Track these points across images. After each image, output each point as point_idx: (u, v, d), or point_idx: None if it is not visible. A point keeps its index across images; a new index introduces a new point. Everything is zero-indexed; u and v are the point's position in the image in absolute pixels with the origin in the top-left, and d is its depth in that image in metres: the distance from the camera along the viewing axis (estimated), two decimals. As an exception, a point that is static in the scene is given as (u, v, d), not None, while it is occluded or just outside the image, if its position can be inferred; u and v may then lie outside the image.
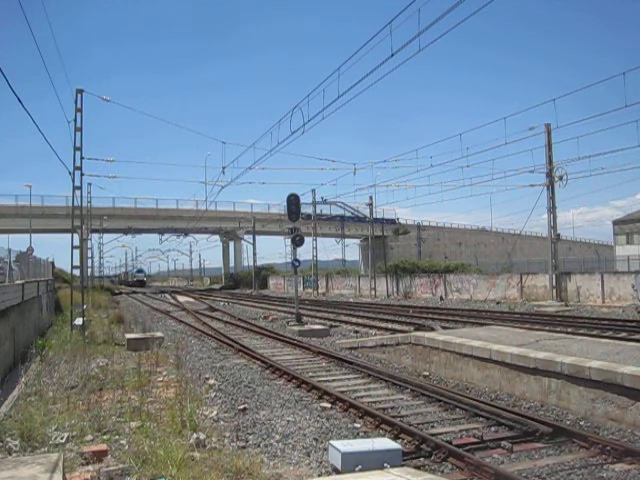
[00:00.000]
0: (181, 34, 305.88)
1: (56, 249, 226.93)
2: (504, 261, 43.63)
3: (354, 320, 22.98)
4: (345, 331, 19.47)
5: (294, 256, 23.20)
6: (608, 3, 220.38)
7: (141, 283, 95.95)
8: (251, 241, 65.18)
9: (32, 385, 9.56)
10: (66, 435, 6.87)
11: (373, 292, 42.83)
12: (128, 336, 15.70)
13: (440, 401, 8.89)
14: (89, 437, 6.96)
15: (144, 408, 8.08)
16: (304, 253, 75.90)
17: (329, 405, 8.88)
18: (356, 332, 18.90)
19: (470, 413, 8.19)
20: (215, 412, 8.44)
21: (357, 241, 71.75)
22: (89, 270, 45.42)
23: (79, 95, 18.27)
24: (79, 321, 18.07)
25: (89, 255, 46.34)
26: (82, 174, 18.66)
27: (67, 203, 42.40)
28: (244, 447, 6.79)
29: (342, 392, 9.51)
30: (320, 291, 51.25)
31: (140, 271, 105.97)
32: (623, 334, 15.59)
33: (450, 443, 6.62)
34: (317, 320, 23.27)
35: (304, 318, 22.64)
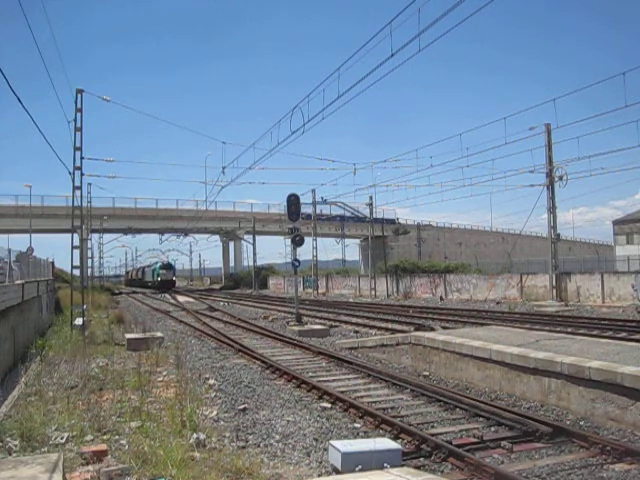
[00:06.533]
0: (181, 34, 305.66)
1: (56, 249, 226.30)
2: (504, 261, 43.57)
3: (354, 320, 22.97)
4: (345, 331, 19.47)
5: (294, 256, 23.19)
6: (608, 3, 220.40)
7: (169, 284, 68.39)
8: (251, 241, 65.21)
9: (32, 385, 9.55)
10: (66, 435, 6.87)
11: (373, 292, 42.82)
12: (128, 336, 15.70)
13: (440, 401, 8.89)
14: (89, 437, 6.96)
15: (144, 408, 8.08)
16: (304, 253, 75.78)
17: (329, 405, 8.88)
18: (356, 332, 18.90)
19: (470, 413, 8.19)
20: (215, 412, 8.44)
21: (357, 241, 71.80)
22: (89, 270, 45.39)
23: (79, 95, 18.28)
24: (79, 321, 18.07)
25: (89, 255, 46.33)
26: (82, 174, 18.67)
27: (67, 203, 42.41)
28: (244, 447, 6.79)
29: (342, 392, 9.51)
30: (320, 291, 51.24)
31: (167, 267, 74.32)
32: (623, 334, 15.59)
33: (450, 443, 6.61)
34: (317, 320, 23.28)
35: (304, 318, 22.64)
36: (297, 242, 22.67)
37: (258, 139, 24.45)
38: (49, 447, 6.52)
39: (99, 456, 6.14)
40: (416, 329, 17.40)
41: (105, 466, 5.86)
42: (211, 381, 10.88)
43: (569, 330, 16.31)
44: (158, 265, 74.66)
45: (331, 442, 6.19)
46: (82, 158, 18.51)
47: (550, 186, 29.43)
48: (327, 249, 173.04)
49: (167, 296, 50.54)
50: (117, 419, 7.75)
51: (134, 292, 63.99)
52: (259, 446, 6.86)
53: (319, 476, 5.83)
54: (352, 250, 79.34)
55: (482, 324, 17.61)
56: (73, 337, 15.98)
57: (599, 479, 5.72)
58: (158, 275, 71.18)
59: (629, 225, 52.24)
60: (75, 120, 18.33)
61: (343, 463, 5.78)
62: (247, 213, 66.71)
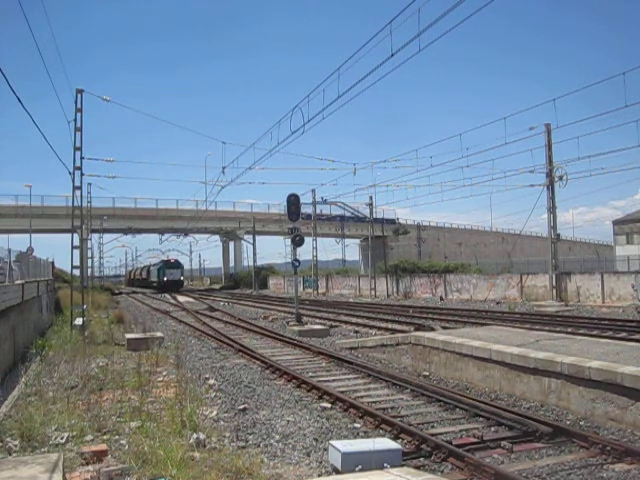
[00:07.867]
0: (181, 34, 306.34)
1: (56, 249, 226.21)
2: (504, 261, 43.59)
3: (354, 320, 22.96)
4: (345, 331, 19.47)
5: (294, 256, 23.19)
6: (608, 3, 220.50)
7: (176, 284, 65.15)
8: (251, 241, 65.20)
9: (32, 385, 9.55)
10: (66, 435, 6.87)
11: (373, 292, 42.81)
12: (128, 336, 15.69)
13: (440, 401, 8.89)
14: (89, 437, 6.96)
15: (144, 408, 8.08)
16: (304, 253, 75.65)
17: (329, 405, 8.88)
18: (356, 332, 18.90)
19: (470, 413, 8.19)
20: (215, 412, 8.44)
21: (357, 241, 71.78)
22: (89, 270, 45.37)
23: (79, 95, 18.29)
24: (79, 321, 18.08)
25: (89, 255, 46.31)
26: (82, 174, 18.70)
27: (67, 203, 42.40)
28: (244, 447, 6.78)
29: (342, 392, 9.51)
30: (320, 291, 51.24)
31: (175, 266, 69.57)
32: (623, 334, 15.59)
33: (450, 443, 6.61)
34: (317, 320, 23.27)
35: (304, 318, 22.64)
36: (297, 242, 22.67)
37: (258, 139, 24.35)
38: (49, 447, 6.52)
39: (99, 456, 6.14)
40: (416, 329, 17.39)
41: (105, 466, 5.86)
42: (211, 381, 10.88)
43: (569, 330, 16.31)
44: (161, 265, 70.33)
45: (331, 442, 6.19)
46: (82, 158, 18.54)
47: (550, 186, 29.43)
48: (327, 249, 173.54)
49: (167, 296, 50.50)
50: (117, 419, 7.75)
51: (134, 292, 63.93)
52: (259, 446, 6.86)
53: (319, 476, 5.83)
54: (352, 250, 79.37)
55: (482, 324, 17.61)
56: (73, 337, 15.98)
57: (599, 479, 5.72)
58: (164, 274, 66.86)
59: (629, 225, 52.18)
60: (75, 120, 18.35)
61: (343, 463, 5.78)
62: (247, 213, 66.69)
